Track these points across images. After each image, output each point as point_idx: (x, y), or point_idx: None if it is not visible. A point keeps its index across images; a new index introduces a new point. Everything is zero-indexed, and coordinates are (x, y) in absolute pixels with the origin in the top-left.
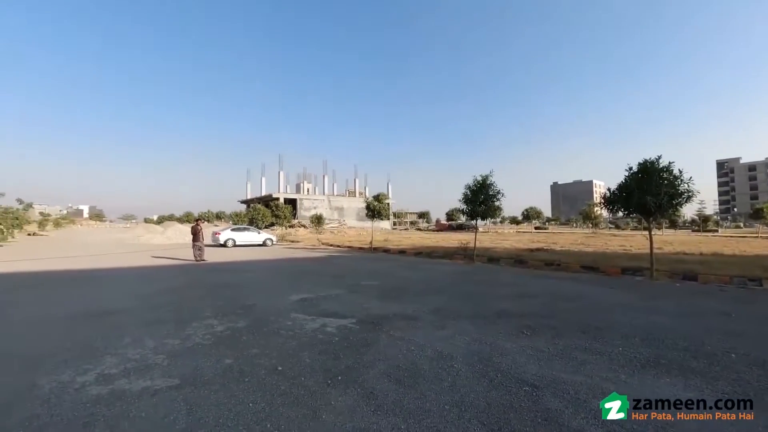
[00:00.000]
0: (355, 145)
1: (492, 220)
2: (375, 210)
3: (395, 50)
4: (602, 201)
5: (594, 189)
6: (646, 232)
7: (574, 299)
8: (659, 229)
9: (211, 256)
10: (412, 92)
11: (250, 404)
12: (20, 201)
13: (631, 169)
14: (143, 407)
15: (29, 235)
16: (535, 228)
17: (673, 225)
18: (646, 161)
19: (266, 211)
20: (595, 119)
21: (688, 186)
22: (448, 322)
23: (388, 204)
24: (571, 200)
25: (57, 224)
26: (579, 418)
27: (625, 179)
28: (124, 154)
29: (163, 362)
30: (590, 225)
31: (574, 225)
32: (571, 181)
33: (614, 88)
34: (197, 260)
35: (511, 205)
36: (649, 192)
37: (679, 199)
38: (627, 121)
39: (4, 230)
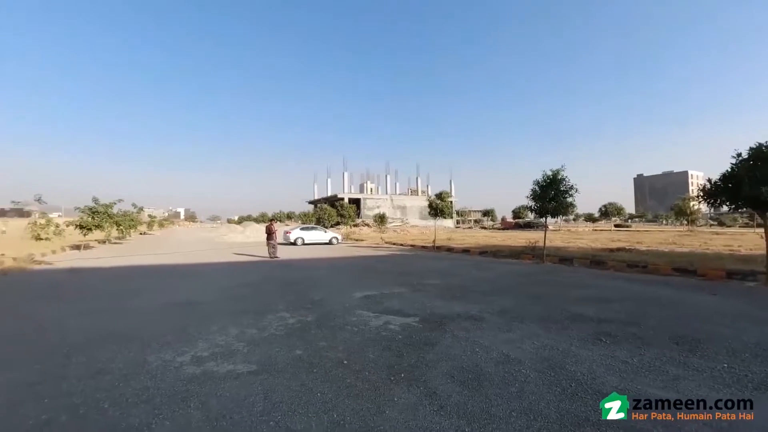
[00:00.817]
0: (417, 144)
1: (564, 217)
2: (438, 208)
3: (457, 42)
4: (701, 194)
5: (689, 180)
6: (761, 230)
7: (665, 305)
8: None
9: (283, 253)
10: (477, 83)
11: (318, 394)
12: (134, 205)
13: (739, 155)
14: (228, 388)
15: (141, 234)
16: (615, 226)
17: None
18: (760, 145)
19: (332, 210)
20: (687, 102)
21: None
22: (515, 325)
23: (451, 202)
24: (659, 194)
25: (161, 225)
26: None
27: (732, 167)
28: (211, 161)
29: (244, 349)
30: (685, 222)
31: (664, 222)
32: (659, 172)
33: (713, 61)
34: (271, 257)
35: (586, 201)
36: (765, 182)
37: None
38: (731, 102)
39: (124, 230)
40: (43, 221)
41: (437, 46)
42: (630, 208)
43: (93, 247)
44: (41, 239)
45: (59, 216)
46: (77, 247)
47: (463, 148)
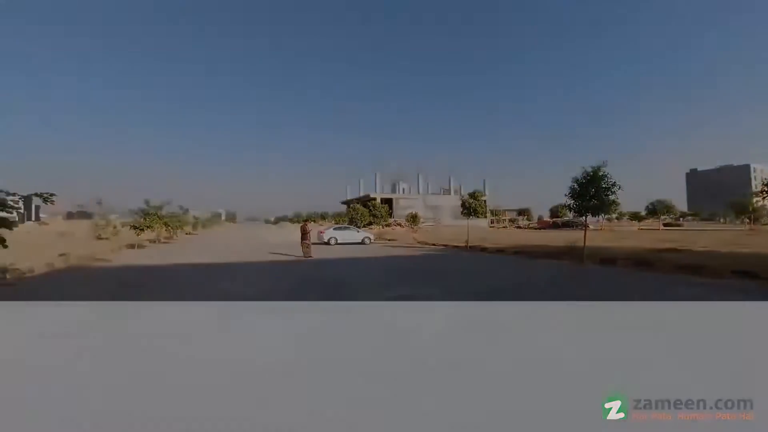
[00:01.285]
0: (450, 143)
1: (606, 216)
2: (471, 208)
3: (491, 36)
4: (765, 189)
5: (752, 175)
6: None
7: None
8: None
9: (317, 252)
10: (510, 77)
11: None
12: (181, 207)
13: None
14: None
15: (186, 233)
16: (665, 225)
17: None
18: None
19: (364, 210)
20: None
21: None
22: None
23: (485, 201)
24: (717, 191)
25: (204, 225)
26: None
27: None
28: (248, 163)
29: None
30: (746, 220)
31: (721, 220)
32: (716, 166)
33: None
34: (305, 257)
35: (631, 198)
36: None
37: None
38: None
39: (172, 230)
40: (102, 222)
41: (457, 47)
42: (682, 205)
43: (145, 246)
44: (101, 239)
45: (116, 217)
46: (132, 246)
47: (497, 146)
